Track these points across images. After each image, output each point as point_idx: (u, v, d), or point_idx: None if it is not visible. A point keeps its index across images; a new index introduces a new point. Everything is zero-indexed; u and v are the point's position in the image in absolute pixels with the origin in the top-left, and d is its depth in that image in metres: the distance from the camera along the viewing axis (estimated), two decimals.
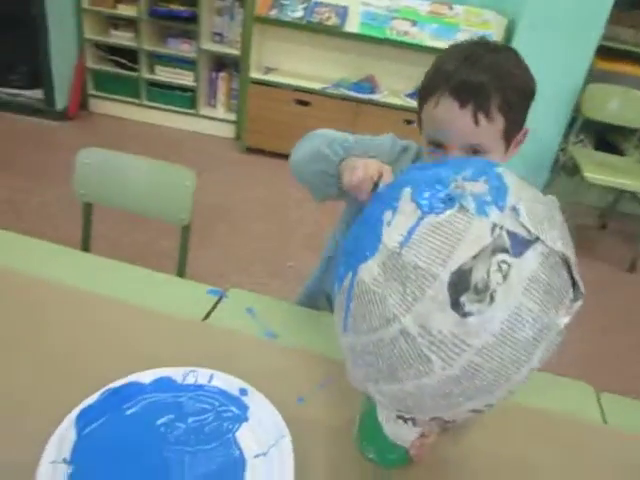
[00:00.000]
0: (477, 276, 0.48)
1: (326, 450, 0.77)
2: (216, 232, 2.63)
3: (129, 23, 3.43)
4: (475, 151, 0.81)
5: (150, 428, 0.75)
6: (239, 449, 0.74)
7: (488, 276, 0.48)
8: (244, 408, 0.79)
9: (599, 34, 2.79)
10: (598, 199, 3.31)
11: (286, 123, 3.29)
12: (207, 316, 0.98)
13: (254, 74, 3.25)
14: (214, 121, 3.58)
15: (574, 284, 0.54)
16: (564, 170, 3.01)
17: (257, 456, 0.73)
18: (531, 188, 0.56)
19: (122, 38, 3.48)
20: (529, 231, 0.50)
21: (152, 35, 3.46)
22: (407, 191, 0.54)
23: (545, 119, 3.02)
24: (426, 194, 0.52)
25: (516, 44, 2.91)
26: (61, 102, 3.47)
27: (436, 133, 0.83)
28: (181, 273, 1.48)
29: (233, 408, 0.79)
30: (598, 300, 2.53)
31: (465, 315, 0.48)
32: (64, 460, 0.68)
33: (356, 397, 0.72)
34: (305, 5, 3.08)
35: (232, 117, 3.54)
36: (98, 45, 3.53)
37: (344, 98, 3.19)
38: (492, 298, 0.48)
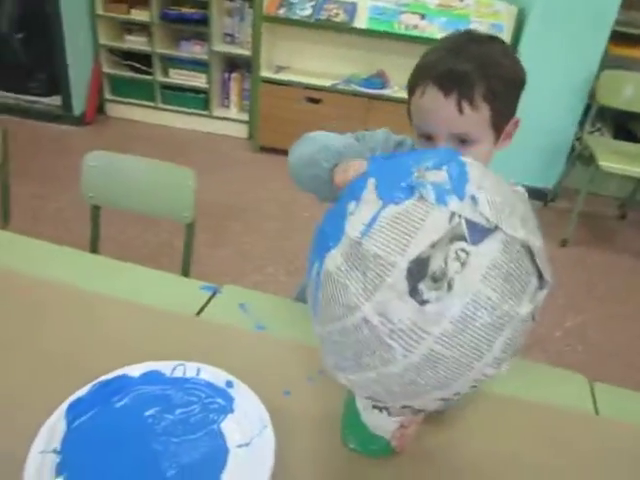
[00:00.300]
0: (435, 264, 0.48)
1: (309, 442, 0.78)
2: (230, 231, 2.66)
3: (142, 28, 3.49)
4: (463, 141, 0.81)
5: (138, 420, 0.77)
6: (223, 439, 0.76)
7: (446, 264, 0.48)
8: (230, 400, 0.80)
9: (612, 19, 2.73)
10: (618, 189, 3.25)
11: (298, 121, 3.30)
12: (200, 311, 1.00)
13: (265, 73, 3.27)
14: (227, 121, 3.62)
15: (540, 273, 0.54)
16: (580, 160, 2.96)
17: (240, 446, 0.75)
18: (496, 178, 0.56)
19: (136, 43, 3.55)
20: (488, 220, 0.50)
21: (165, 39, 3.51)
22: (371, 182, 0.54)
23: (559, 108, 2.98)
24: (388, 184, 0.53)
25: (528, 33, 2.87)
26: (79, 107, 3.55)
27: (423, 124, 0.83)
28: (186, 270, 1.50)
29: (219, 400, 0.80)
30: (618, 290, 2.49)
31: (423, 303, 0.49)
32: (53, 450, 0.70)
33: (343, 390, 0.73)
34: (313, 3, 3.09)
35: (245, 117, 3.58)
36: (113, 50, 3.60)
37: (355, 94, 3.20)
38: (450, 286, 0.49)
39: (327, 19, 3.08)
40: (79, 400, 0.77)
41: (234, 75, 3.57)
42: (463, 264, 0.49)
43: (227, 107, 3.67)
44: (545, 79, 2.91)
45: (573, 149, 3.07)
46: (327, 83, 3.23)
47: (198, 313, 1.00)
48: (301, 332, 0.96)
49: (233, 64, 3.61)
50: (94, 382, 0.79)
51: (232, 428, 0.77)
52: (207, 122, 3.63)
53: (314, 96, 3.26)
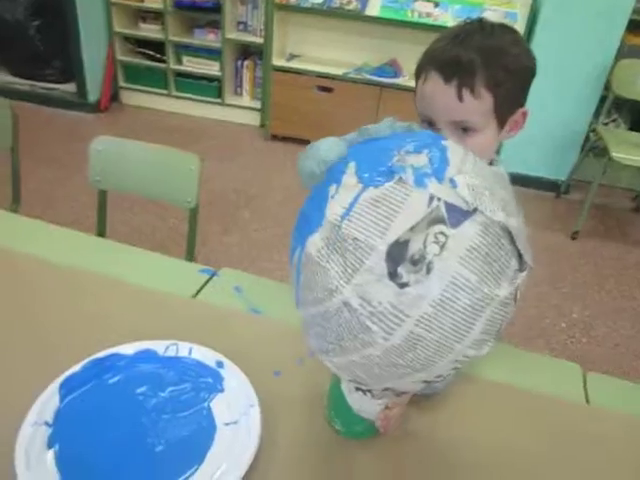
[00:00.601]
0: (414, 247, 0.49)
1: (297, 422, 0.79)
2: (239, 218, 2.68)
3: (156, 15, 3.50)
4: (464, 129, 0.81)
5: (130, 396, 0.79)
6: (211, 417, 0.77)
7: (425, 247, 0.49)
8: (220, 379, 0.82)
9: (630, 7, 2.68)
10: (631, 181, 3.20)
11: (309, 110, 3.31)
12: (197, 294, 1.02)
13: (277, 61, 3.27)
14: (240, 109, 3.63)
15: (520, 255, 0.54)
16: (593, 151, 2.92)
17: (227, 424, 0.76)
18: (477, 161, 0.56)
19: (150, 30, 3.57)
20: (467, 202, 0.50)
21: (178, 26, 3.52)
22: (352, 165, 0.55)
23: (574, 99, 2.94)
24: (368, 167, 0.53)
25: (542, 22, 2.83)
26: (93, 95, 3.59)
27: (424, 109, 0.83)
28: (190, 254, 1.52)
29: (209, 379, 0.82)
30: (628, 284, 2.46)
31: (402, 286, 0.49)
32: (45, 423, 0.73)
33: (331, 372, 0.74)
34: None
35: (257, 105, 3.58)
36: (127, 38, 3.63)
37: (367, 83, 3.18)
38: (429, 269, 0.49)
39: (339, 7, 3.06)
40: (73, 376, 0.79)
41: (247, 63, 3.57)
42: (442, 247, 0.49)
43: (240, 95, 3.68)
44: (560, 69, 2.87)
45: (588, 140, 3.02)
46: (339, 72, 3.22)
47: (195, 295, 1.02)
48: (294, 315, 0.97)
49: (246, 52, 3.62)
50: (88, 359, 0.81)
51: (221, 407, 0.79)
52: (220, 110, 3.65)
53: (326, 85, 3.25)
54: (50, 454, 0.70)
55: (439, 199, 0.50)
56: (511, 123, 0.84)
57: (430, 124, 0.83)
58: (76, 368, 0.80)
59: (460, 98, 0.77)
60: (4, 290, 0.98)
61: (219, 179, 2.96)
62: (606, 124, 3.02)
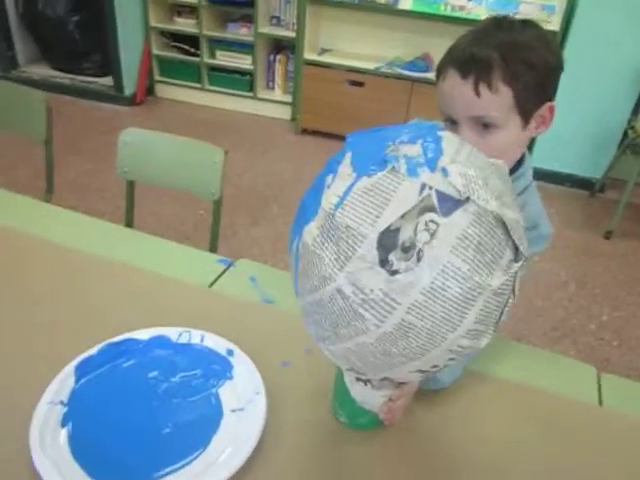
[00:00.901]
0: (404, 235, 0.49)
1: (302, 412, 0.81)
2: (268, 211, 2.71)
3: (191, 10, 3.56)
4: (485, 125, 0.80)
5: (142, 380, 0.82)
6: (219, 403, 0.79)
7: (415, 235, 0.49)
8: (229, 367, 0.84)
9: None
10: None
11: (340, 104, 3.31)
12: (213, 283, 1.04)
13: (308, 55, 3.28)
14: (271, 103, 3.66)
15: (516, 246, 0.53)
16: (630, 149, 2.83)
17: (234, 411, 0.78)
18: (473, 152, 0.55)
19: (184, 25, 3.63)
20: (459, 191, 0.50)
21: (212, 21, 3.57)
22: (348, 155, 0.55)
23: (612, 94, 2.85)
24: (363, 158, 0.54)
25: (580, 15, 2.75)
26: (129, 88, 3.67)
27: (444, 107, 0.82)
28: (214, 245, 1.55)
29: (219, 366, 0.84)
30: None
31: (393, 273, 0.50)
32: (61, 402, 0.76)
33: None
34: None
35: (289, 99, 3.60)
36: (162, 32, 3.69)
37: (398, 77, 3.16)
38: (419, 257, 0.49)
39: (372, 1, 3.04)
40: (89, 359, 0.82)
41: (279, 57, 3.59)
42: (432, 235, 0.49)
43: (272, 89, 3.71)
44: (597, 63, 2.79)
45: (625, 137, 2.93)
46: (370, 66, 3.21)
47: (211, 285, 1.04)
48: None
49: (279, 46, 3.64)
50: (104, 343, 0.84)
51: (229, 394, 0.81)
52: (252, 104, 3.68)
53: (357, 79, 3.25)
54: (64, 432, 0.73)
55: (430, 188, 0.50)
56: (537, 119, 0.82)
57: (453, 122, 0.83)
58: (92, 351, 0.83)
59: (477, 93, 0.77)
60: (32, 274, 1.02)
61: (250, 172, 3.00)
62: None
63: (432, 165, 0.51)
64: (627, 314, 2.21)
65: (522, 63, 0.78)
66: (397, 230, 0.49)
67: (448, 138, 0.54)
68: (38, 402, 0.74)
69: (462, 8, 2.93)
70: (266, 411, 0.76)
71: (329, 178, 0.55)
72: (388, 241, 0.50)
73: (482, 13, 2.90)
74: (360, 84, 3.25)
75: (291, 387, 0.83)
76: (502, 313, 0.56)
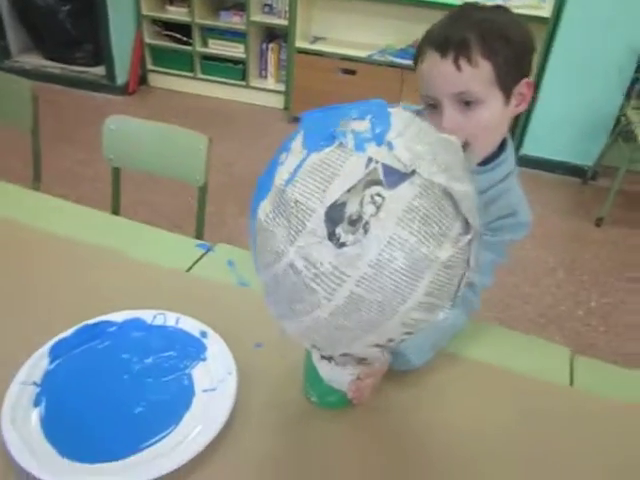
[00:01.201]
0: (351, 208, 0.50)
1: (274, 392, 0.82)
2: None
3: None
4: (467, 103, 0.80)
5: (116, 361, 0.83)
6: (191, 384, 0.80)
7: (362, 208, 0.50)
8: (203, 348, 0.85)
9: None
10: None
11: (332, 92, 3.29)
12: (191, 267, 1.05)
13: (300, 44, 3.27)
14: (264, 92, 3.65)
15: (465, 219, 0.54)
16: (622, 136, 2.83)
17: (206, 391, 0.79)
18: (423, 128, 0.55)
19: (177, 13, 3.61)
20: (405, 165, 0.50)
21: (205, 9, 3.55)
22: (301, 133, 0.56)
23: (604, 81, 2.85)
24: (314, 135, 0.54)
25: (571, 2, 2.74)
26: (122, 78, 3.66)
27: (425, 89, 0.83)
28: (200, 230, 1.55)
29: (193, 348, 0.85)
30: None
31: (341, 246, 0.50)
32: (34, 383, 0.77)
33: None
34: None
35: (281, 88, 3.59)
36: (154, 21, 3.68)
37: (390, 65, 3.15)
38: (366, 229, 0.50)
39: None
40: (63, 340, 0.83)
41: (271, 45, 3.58)
42: (378, 208, 0.50)
43: (264, 78, 3.70)
44: (589, 50, 2.78)
45: (618, 125, 2.93)
46: (362, 54, 3.20)
47: (189, 269, 1.05)
48: None
49: (271, 35, 3.62)
50: (79, 325, 0.85)
51: (202, 374, 0.82)
52: (244, 92, 3.67)
53: (349, 67, 3.24)
54: (36, 412, 0.74)
55: (377, 162, 0.50)
56: (517, 97, 0.83)
57: (433, 107, 0.83)
58: (67, 333, 0.84)
59: (458, 67, 0.77)
60: (10, 257, 1.03)
61: (241, 161, 3.00)
62: (638, 108, 2.92)
63: (379, 140, 0.52)
64: (615, 300, 2.22)
65: (500, 39, 0.78)
66: (344, 204, 0.50)
67: (398, 114, 0.55)
68: (11, 382, 0.75)
69: None
70: (236, 391, 0.77)
71: (283, 156, 0.56)
72: (335, 215, 0.50)
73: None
74: (352, 72, 3.25)
75: (263, 368, 0.84)
76: (459, 287, 0.57)
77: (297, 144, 0.55)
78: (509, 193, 0.90)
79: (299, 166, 0.53)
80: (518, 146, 3.09)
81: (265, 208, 0.55)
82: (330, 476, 0.72)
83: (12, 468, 0.67)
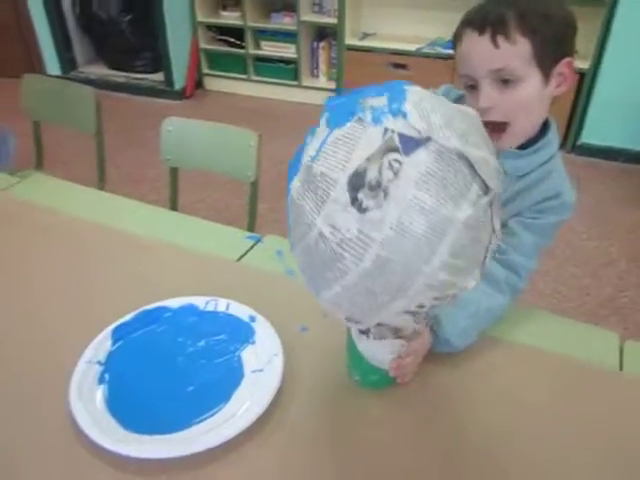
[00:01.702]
0: (370, 175, 0.53)
1: (318, 372, 0.85)
2: None
3: (235, 2, 3.64)
4: (505, 81, 0.79)
5: (171, 343, 0.89)
6: (241, 365, 0.85)
7: (380, 174, 0.53)
8: (251, 332, 0.89)
9: None
10: None
11: None
12: (241, 257, 1.10)
13: (350, 41, 3.30)
14: (316, 90, 3.70)
15: (484, 182, 0.55)
16: None
17: (254, 371, 0.83)
18: (438, 101, 0.57)
19: (230, 18, 3.72)
20: (419, 132, 0.53)
21: (256, 12, 3.64)
22: (325, 116, 0.59)
23: None
24: (337, 115, 0.57)
25: None
26: (179, 83, 3.80)
27: (463, 68, 0.83)
28: (251, 225, 1.61)
29: (242, 332, 0.90)
30: None
31: (364, 211, 0.53)
32: (98, 362, 0.84)
33: None
34: None
35: (333, 86, 3.63)
36: (209, 27, 3.80)
37: (440, 57, 3.12)
38: (386, 193, 0.53)
39: None
40: (124, 324, 0.90)
41: (322, 44, 3.62)
42: (396, 173, 0.52)
43: (316, 76, 3.75)
44: None
45: None
46: (412, 47, 3.19)
47: (239, 259, 1.10)
48: None
49: (322, 33, 3.67)
50: (138, 310, 0.92)
51: (250, 356, 0.86)
52: (297, 92, 3.74)
53: (399, 61, 3.23)
54: (100, 389, 0.80)
55: (392, 131, 0.53)
56: (557, 78, 0.82)
57: (472, 87, 0.83)
58: (127, 317, 0.91)
59: (496, 45, 0.77)
60: (79, 253, 1.11)
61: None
62: None
63: (395, 112, 0.54)
64: None
65: (538, 16, 0.78)
66: (364, 171, 0.53)
67: (413, 90, 0.57)
68: (78, 360, 0.82)
69: None
70: (283, 371, 0.81)
71: (309, 137, 0.60)
72: (356, 182, 0.53)
73: None
74: (403, 66, 3.24)
75: (308, 349, 0.88)
76: (486, 253, 0.58)
77: (322, 125, 0.58)
78: (552, 175, 0.89)
79: (323, 143, 0.56)
80: (577, 134, 2.99)
81: (295, 185, 0.59)
82: (373, 455, 0.74)
83: (81, 438, 0.73)
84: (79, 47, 4.07)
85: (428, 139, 0.53)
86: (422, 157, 0.53)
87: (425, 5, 3.24)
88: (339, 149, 0.55)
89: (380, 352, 0.75)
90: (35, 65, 3.94)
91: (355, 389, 0.82)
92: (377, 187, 0.52)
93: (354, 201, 0.53)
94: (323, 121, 0.58)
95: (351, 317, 0.64)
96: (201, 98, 3.88)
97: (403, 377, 0.80)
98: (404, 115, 0.53)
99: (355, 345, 0.78)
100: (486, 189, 0.55)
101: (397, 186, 0.52)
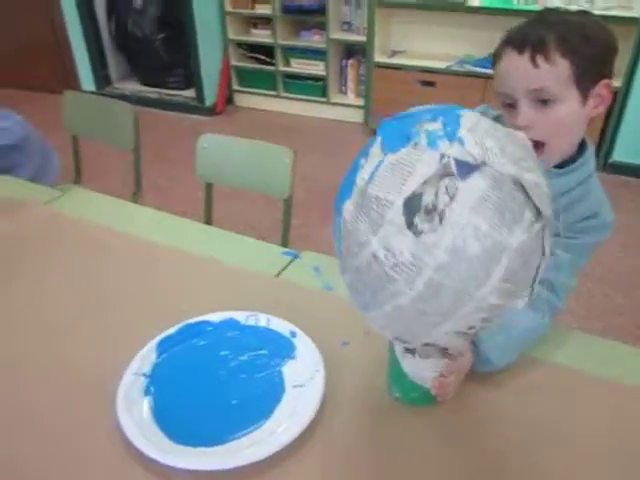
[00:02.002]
0: (427, 199, 0.54)
1: (359, 387, 0.86)
2: None
3: (266, 21, 3.71)
4: (544, 101, 0.80)
5: (214, 357, 0.90)
6: (282, 380, 0.86)
7: (437, 198, 0.54)
8: (292, 347, 0.91)
9: None
10: None
11: (412, 104, 3.29)
12: (280, 273, 1.12)
13: (378, 58, 3.33)
14: (344, 107, 3.73)
15: (537, 208, 0.56)
16: None
17: (295, 387, 0.84)
18: (491, 125, 0.58)
19: (260, 36, 3.79)
20: (475, 158, 0.54)
21: (286, 30, 3.70)
22: (378, 139, 0.61)
23: None
24: (391, 139, 0.59)
25: None
26: (210, 99, 3.88)
27: (501, 87, 0.84)
28: (285, 240, 1.63)
29: (283, 347, 0.91)
30: None
31: (419, 234, 0.55)
32: (143, 374, 0.86)
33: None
34: None
35: (361, 102, 3.66)
36: (239, 44, 3.87)
37: (470, 75, 3.13)
38: (441, 217, 0.54)
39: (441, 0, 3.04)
40: (169, 337, 0.92)
41: (351, 61, 3.66)
42: (452, 197, 0.53)
43: (344, 93, 3.79)
44: None
45: None
46: (441, 65, 3.20)
47: (277, 274, 1.11)
48: None
49: (350, 51, 3.71)
50: (181, 324, 0.94)
51: (291, 371, 0.87)
52: (325, 108, 3.77)
53: (428, 79, 3.25)
54: (146, 401, 0.82)
55: (449, 157, 0.54)
56: (595, 98, 0.83)
57: (509, 106, 0.84)
58: (171, 330, 0.93)
59: (535, 64, 0.78)
60: (120, 265, 1.14)
61: (322, 174, 3.08)
62: None
63: (451, 137, 0.55)
64: None
65: (579, 38, 0.79)
66: (420, 195, 0.54)
67: (467, 115, 0.58)
68: (124, 373, 0.85)
69: (535, 1, 2.86)
70: (324, 387, 0.82)
71: (363, 160, 0.61)
72: (413, 205, 0.55)
73: (556, 4, 2.81)
74: (431, 84, 3.25)
75: (349, 364, 0.88)
76: (536, 275, 0.58)
77: (375, 148, 0.60)
78: (590, 195, 0.89)
79: (378, 166, 0.57)
80: (608, 153, 2.96)
81: (348, 208, 0.60)
82: (413, 472, 0.74)
83: (129, 449, 0.75)
84: (113, 64, 4.18)
85: (483, 164, 0.54)
86: (478, 182, 0.54)
87: (454, 23, 3.26)
88: (395, 173, 0.56)
89: (424, 370, 0.75)
90: (71, 81, 4.06)
91: (395, 406, 0.83)
92: (433, 211, 0.53)
93: (410, 224, 0.54)
94: (377, 144, 0.60)
95: (399, 336, 0.65)
96: (231, 114, 3.95)
97: (444, 396, 0.80)
98: (460, 141, 0.55)
99: (397, 362, 0.78)
100: (538, 214, 0.56)
101: (453, 210, 0.53)
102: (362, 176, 0.59)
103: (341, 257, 0.64)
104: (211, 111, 3.88)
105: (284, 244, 1.63)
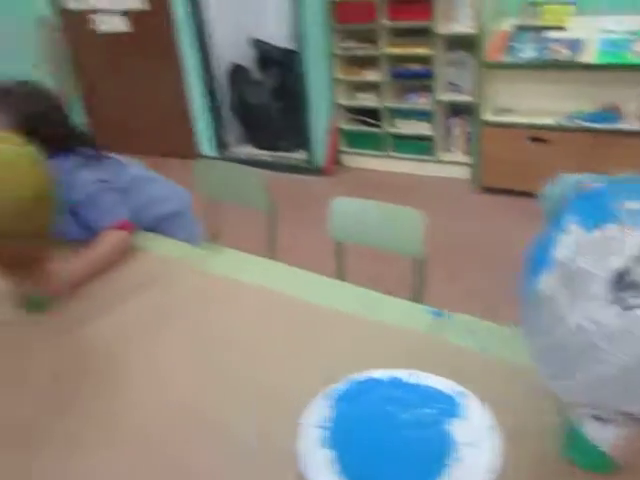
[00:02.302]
0: (634, 275, 0.58)
1: (530, 449, 0.87)
2: (460, 268, 2.83)
3: (372, 86, 3.90)
4: None
5: (382, 413, 0.96)
6: (451, 438, 0.90)
7: None
8: (457, 406, 0.94)
9: None
10: None
11: (522, 161, 3.32)
12: (430, 331, 1.17)
13: (485, 116, 3.38)
14: (451, 165, 3.80)
15: None
16: None
17: (464, 445, 0.88)
18: None
19: (367, 100, 3.98)
20: None
21: (392, 93, 3.87)
22: (573, 215, 0.66)
23: None
24: (589, 215, 0.64)
25: None
26: (319, 160, 4.09)
27: None
28: (417, 298, 1.68)
29: (447, 405, 0.95)
30: None
31: (627, 309, 0.58)
32: (320, 426, 0.93)
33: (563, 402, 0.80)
34: (536, 45, 3.12)
35: (468, 160, 3.70)
36: (347, 108, 4.09)
37: (580, 130, 3.10)
38: None
39: (551, 58, 3.07)
40: (339, 391, 0.99)
41: (457, 120, 3.74)
42: None
43: (451, 151, 3.86)
44: None
45: None
46: (550, 121, 3.20)
47: (427, 332, 1.17)
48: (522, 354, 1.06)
49: (456, 109, 3.79)
50: (349, 378, 1.01)
51: (460, 430, 0.91)
52: (433, 166, 3.86)
53: (537, 135, 3.25)
54: (325, 452, 0.89)
55: None
56: None
57: None
58: (341, 386, 1.00)
59: None
60: (272, 322, 1.25)
61: (434, 231, 3.12)
62: None
63: None
64: None
65: None
66: (626, 270, 0.58)
67: None
68: (296, 427, 0.93)
69: None
70: (499, 446, 0.85)
71: (559, 235, 0.66)
72: (619, 281, 0.58)
73: None
74: (542, 140, 3.25)
75: (517, 426, 0.90)
76: None
77: (572, 224, 0.65)
78: None
79: (580, 241, 0.62)
80: None
81: (547, 280, 0.65)
82: None
83: None
84: (230, 129, 4.54)
85: None
86: None
87: (561, 80, 3.25)
88: (599, 249, 0.60)
89: (608, 434, 0.76)
90: (192, 147, 4.45)
91: (571, 471, 0.83)
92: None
93: (617, 299, 0.58)
94: (574, 220, 0.65)
95: (592, 404, 0.67)
96: (340, 174, 4.13)
97: (628, 462, 0.80)
98: None
99: (573, 424, 0.79)
100: None
101: None
102: (562, 251, 0.64)
103: (529, 324, 0.69)
104: (321, 171, 4.08)
105: (416, 300, 1.68)
